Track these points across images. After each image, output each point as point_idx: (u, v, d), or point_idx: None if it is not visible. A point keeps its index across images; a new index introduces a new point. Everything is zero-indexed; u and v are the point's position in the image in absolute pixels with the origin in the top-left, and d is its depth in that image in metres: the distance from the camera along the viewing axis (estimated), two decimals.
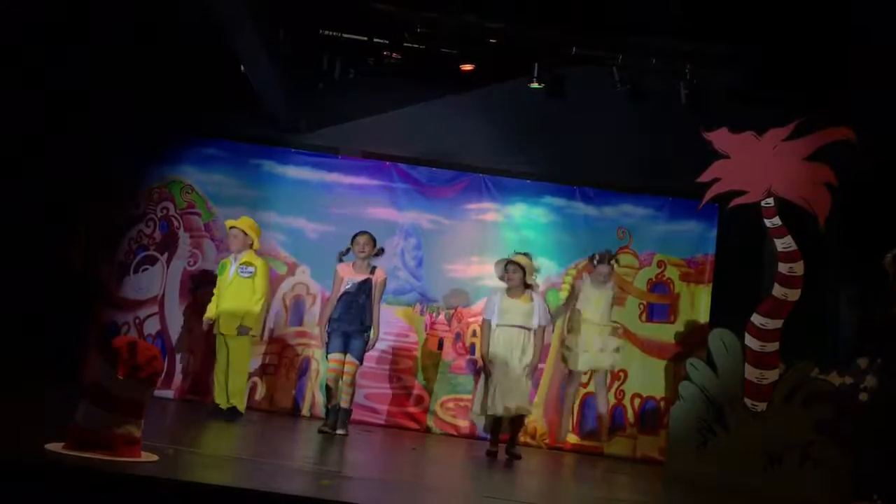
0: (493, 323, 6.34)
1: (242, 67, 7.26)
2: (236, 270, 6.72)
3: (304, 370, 7.85)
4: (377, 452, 6.18)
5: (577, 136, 8.02)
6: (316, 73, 7.85)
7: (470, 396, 7.55)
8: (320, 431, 6.31)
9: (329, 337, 6.48)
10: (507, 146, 8.12)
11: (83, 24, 7.28)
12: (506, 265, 6.39)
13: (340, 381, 6.39)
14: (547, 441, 7.73)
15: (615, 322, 7.69)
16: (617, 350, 7.63)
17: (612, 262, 7.60)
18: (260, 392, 7.76)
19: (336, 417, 6.42)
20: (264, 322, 7.49)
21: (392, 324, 7.85)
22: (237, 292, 6.65)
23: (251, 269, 6.71)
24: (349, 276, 6.55)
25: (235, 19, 6.30)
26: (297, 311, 7.94)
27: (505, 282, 6.39)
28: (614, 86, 7.59)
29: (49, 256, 7.54)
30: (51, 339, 7.32)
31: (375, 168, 8.17)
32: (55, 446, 3.31)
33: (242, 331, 6.61)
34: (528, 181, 8.16)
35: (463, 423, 7.73)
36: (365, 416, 7.65)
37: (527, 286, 6.41)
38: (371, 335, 6.51)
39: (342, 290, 6.52)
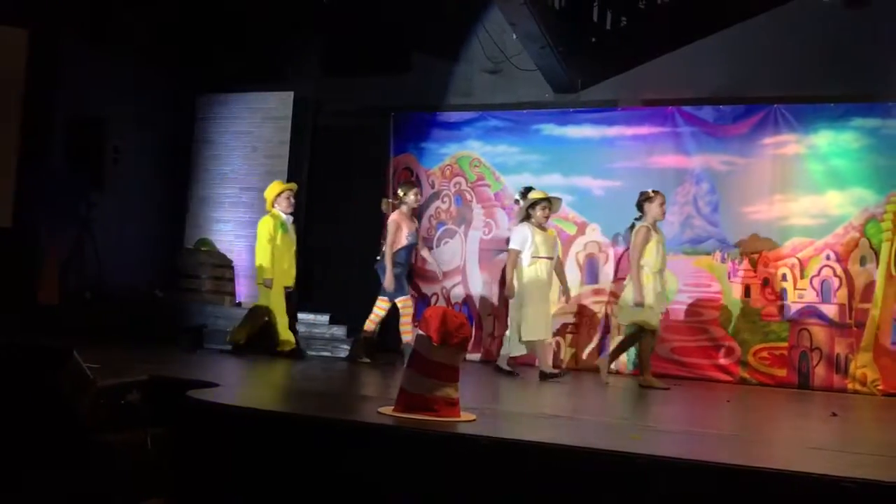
0: (525, 255, 6.69)
1: (514, 35, 7.38)
2: None
3: (604, 326, 7.86)
4: (688, 405, 6.03)
5: (884, 47, 7.11)
6: (586, 28, 7.74)
7: (786, 345, 7.20)
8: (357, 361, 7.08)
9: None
10: (801, 70, 7.41)
11: None
12: (549, 200, 6.82)
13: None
14: (880, 387, 7.03)
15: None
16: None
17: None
18: (565, 352, 7.92)
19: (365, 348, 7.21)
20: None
21: (692, 275, 7.59)
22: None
23: None
24: (408, 227, 7.11)
25: None
26: (591, 269, 7.96)
27: (542, 218, 6.78)
28: None
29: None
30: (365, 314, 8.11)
31: (657, 115, 7.89)
32: (386, 409, 3.65)
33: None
34: (831, 105, 7.39)
35: (780, 372, 7.29)
36: (672, 369, 7.49)
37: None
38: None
39: (405, 240, 7.08)
